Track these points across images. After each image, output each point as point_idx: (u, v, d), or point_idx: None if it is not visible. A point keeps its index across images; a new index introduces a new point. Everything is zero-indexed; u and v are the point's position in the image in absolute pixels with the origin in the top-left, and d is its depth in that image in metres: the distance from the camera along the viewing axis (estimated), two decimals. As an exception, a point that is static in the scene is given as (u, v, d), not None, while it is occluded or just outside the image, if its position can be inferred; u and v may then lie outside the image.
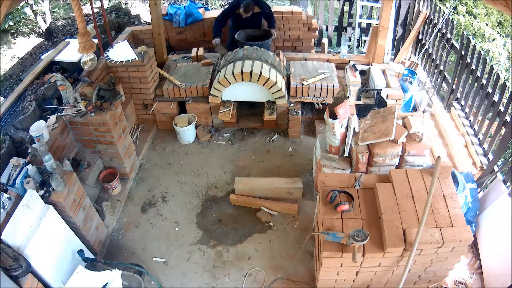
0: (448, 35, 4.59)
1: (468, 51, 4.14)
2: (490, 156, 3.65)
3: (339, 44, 6.24)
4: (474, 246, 3.25)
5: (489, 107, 3.76)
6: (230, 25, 5.24)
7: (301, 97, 4.52)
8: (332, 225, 2.68)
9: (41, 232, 2.65)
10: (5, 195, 2.81)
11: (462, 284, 3.09)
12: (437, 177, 2.74)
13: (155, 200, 4.01)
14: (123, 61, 4.27)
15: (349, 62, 4.90)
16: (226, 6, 5.28)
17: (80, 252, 2.98)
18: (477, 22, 6.32)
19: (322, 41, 5.97)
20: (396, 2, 5.28)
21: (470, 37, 4.19)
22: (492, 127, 3.73)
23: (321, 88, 4.43)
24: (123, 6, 6.84)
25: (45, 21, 6.68)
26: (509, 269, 2.71)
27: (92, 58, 4.01)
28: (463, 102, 4.31)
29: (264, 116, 4.46)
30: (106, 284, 2.76)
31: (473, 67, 4.05)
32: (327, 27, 6.25)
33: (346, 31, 6.15)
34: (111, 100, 3.69)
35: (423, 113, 4.50)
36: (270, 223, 3.69)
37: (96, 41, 4.19)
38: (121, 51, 4.35)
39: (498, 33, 6.25)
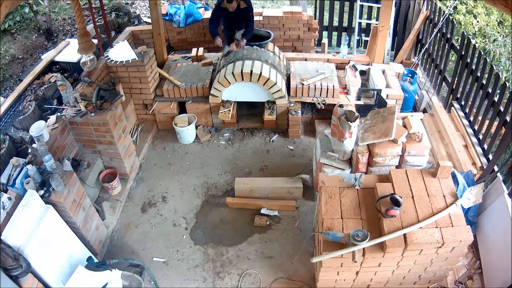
0: (448, 35, 4.59)
1: (468, 51, 4.14)
2: (490, 156, 3.65)
3: (339, 44, 6.25)
4: (474, 246, 3.25)
5: (489, 107, 3.76)
6: (222, 25, 5.13)
7: (301, 97, 4.52)
8: (332, 225, 2.68)
9: (41, 232, 2.65)
10: (5, 195, 2.81)
11: (462, 284, 3.09)
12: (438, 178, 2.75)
13: (155, 200, 4.01)
14: (123, 61, 4.28)
15: (349, 62, 4.90)
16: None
17: (90, 259, 2.97)
18: (477, 22, 6.31)
19: (322, 41, 5.98)
20: (396, 2, 5.28)
21: (470, 37, 4.19)
22: (492, 127, 3.73)
23: (321, 88, 4.43)
24: (124, 5, 6.83)
25: (45, 21, 6.68)
26: (509, 269, 2.71)
27: (92, 59, 4.02)
28: (463, 102, 4.31)
29: (264, 116, 4.46)
30: (106, 284, 2.76)
31: (473, 67, 4.05)
32: (326, 27, 6.27)
33: (346, 31, 6.16)
34: (111, 100, 3.69)
35: (423, 113, 4.50)
36: (270, 222, 3.69)
37: (96, 41, 4.20)
38: (121, 51, 4.35)
39: (498, 33, 6.24)
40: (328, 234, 2.57)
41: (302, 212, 3.78)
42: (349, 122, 3.16)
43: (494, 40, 6.11)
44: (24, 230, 2.59)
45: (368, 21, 5.91)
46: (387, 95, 4.43)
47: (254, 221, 3.68)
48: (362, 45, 6.15)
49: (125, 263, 3.21)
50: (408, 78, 4.71)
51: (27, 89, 4.47)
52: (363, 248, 2.53)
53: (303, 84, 4.44)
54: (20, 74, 5.75)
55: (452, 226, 2.58)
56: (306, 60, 5.06)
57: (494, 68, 3.67)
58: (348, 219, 2.72)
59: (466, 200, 2.88)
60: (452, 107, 4.35)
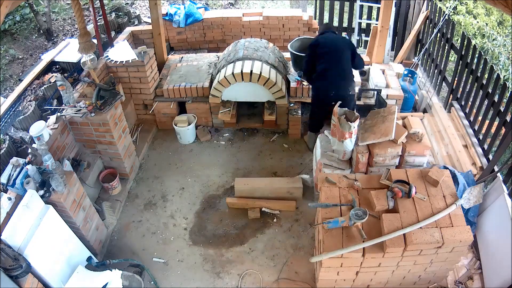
0: (448, 35, 4.59)
1: (468, 51, 4.14)
2: (490, 156, 3.65)
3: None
4: (474, 246, 3.25)
5: (489, 107, 3.76)
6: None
7: (301, 97, 4.52)
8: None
9: (41, 232, 2.65)
10: (5, 195, 2.81)
11: (462, 284, 3.09)
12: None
13: (155, 200, 4.01)
14: (123, 61, 4.28)
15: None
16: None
17: (90, 259, 2.97)
18: (477, 22, 6.32)
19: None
20: (396, 2, 5.28)
21: (470, 37, 4.18)
22: (492, 127, 3.73)
23: (321, 88, 4.42)
24: (124, 5, 6.83)
25: (45, 21, 6.68)
26: (509, 269, 2.71)
27: (92, 59, 4.01)
28: (463, 102, 4.31)
29: (264, 116, 4.46)
30: (106, 284, 2.75)
31: (473, 67, 4.05)
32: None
33: (346, 31, 6.16)
34: (111, 100, 3.69)
35: (423, 113, 4.50)
36: (274, 220, 3.69)
37: (95, 41, 4.20)
38: (121, 51, 4.35)
39: (498, 33, 6.24)
40: (329, 223, 2.58)
41: (302, 212, 3.78)
42: (349, 122, 3.16)
43: (493, 40, 6.11)
44: (24, 230, 2.59)
45: (368, 21, 5.91)
46: (387, 95, 4.43)
47: (248, 215, 3.72)
48: (362, 45, 6.15)
49: (125, 263, 3.21)
50: (408, 78, 4.71)
51: (27, 89, 4.47)
52: (363, 248, 2.53)
53: (303, 84, 4.44)
54: (20, 74, 5.75)
55: (452, 226, 2.58)
56: (306, 60, 5.05)
57: (494, 68, 3.67)
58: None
59: (466, 200, 2.88)
60: (452, 107, 4.35)
